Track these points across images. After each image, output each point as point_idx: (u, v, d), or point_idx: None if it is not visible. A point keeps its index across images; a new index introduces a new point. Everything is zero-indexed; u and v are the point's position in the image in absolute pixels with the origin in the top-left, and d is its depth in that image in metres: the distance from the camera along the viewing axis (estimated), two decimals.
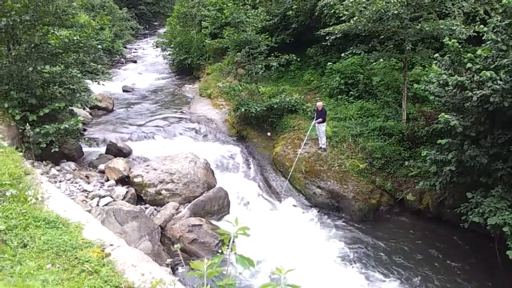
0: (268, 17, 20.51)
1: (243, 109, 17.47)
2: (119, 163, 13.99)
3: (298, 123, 17.18)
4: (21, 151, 10.19)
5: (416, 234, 12.93)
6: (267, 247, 11.20)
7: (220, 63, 24.60)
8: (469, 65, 10.76)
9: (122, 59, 37.21)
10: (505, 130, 10.38)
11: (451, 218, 12.16)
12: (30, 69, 13.48)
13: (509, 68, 9.97)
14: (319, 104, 15.20)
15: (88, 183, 13.39)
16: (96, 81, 19.65)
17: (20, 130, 13.36)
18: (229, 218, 12.60)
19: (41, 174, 10.33)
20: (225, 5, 18.71)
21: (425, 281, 10.65)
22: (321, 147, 15.18)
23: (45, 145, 13.19)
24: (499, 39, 10.40)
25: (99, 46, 17.68)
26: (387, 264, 11.32)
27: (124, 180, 13.71)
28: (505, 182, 10.28)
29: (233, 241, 2.32)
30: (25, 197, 6.55)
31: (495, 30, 10.70)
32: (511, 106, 9.79)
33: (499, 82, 9.89)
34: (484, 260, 11.05)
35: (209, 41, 22.57)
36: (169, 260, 6.26)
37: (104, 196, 12.50)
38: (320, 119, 14.91)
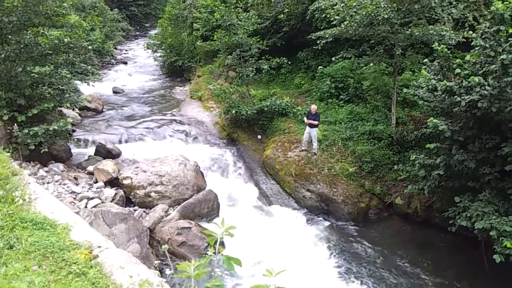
0: (259, 20, 20.52)
1: (233, 112, 17.46)
2: (108, 165, 13.90)
3: (289, 126, 17.21)
4: (9, 152, 10.08)
5: (405, 238, 13.02)
6: (257, 249, 11.20)
7: (211, 66, 24.59)
8: (457, 70, 10.88)
9: (113, 60, 36.98)
10: (493, 135, 10.49)
11: (439, 222, 12.24)
12: (20, 69, 13.35)
13: (497, 74, 10.10)
14: (313, 107, 15.19)
15: (77, 184, 13.28)
16: (85, 82, 19.49)
17: (8, 131, 13.22)
18: (219, 220, 12.59)
19: (29, 175, 10.23)
20: (216, 8, 18.69)
21: (412, 285, 10.71)
22: (312, 151, 15.16)
23: (33, 147, 13.07)
24: (487, 45, 10.53)
25: (89, 47, 17.57)
26: (375, 268, 11.36)
27: (113, 182, 13.62)
28: (493, 187, 10.38)
29: (223, 243, 2.32)
30: (12, 198, 6.49)
31: (483, 36, 10.82)
32: (498, 112, 9.91)
33: (487, 87, 10.02)
34: (471, 263, 11.13)
35: (200, 43, 22.51)
36: (156, 262, 6.22)
37: (92, 198, 12.41)
38: (316, 122, 14.95)
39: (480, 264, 10.59)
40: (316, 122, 14.92)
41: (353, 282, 10.79)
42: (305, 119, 15.17)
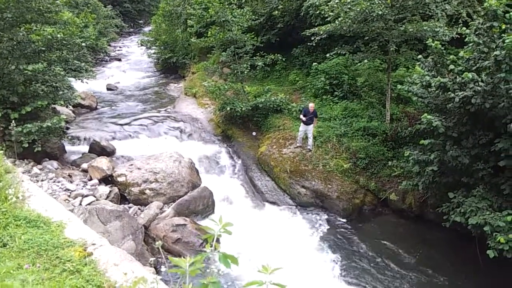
0: (254, 16, 20.48)
1: (228, 108, 17.44)
2: (102, 162, 13.85)
3: (283, 123, 17.21)
4: (2, 149, 10.02)
5: (399, 234, 13.07)
6: (252, 246, 11.21)
7: (205, 62, 24.51)
8: (451, 66, 10.91)
9: (106, 57, 36.78)
10: (486, 131, 10.53)
11: (433, 217, 12.31)
12: (13, 67, 13.25)
13: (490, 70, 10.14)
14: (311, 105, 15.17)
15: (71, 182, 13.23)
16: (79, 79, 19.43)
17: (1, 128, 13.13)
18: (214, 217, 12.58)
19: (23, 172, 10.18)
20: (210, 4, 18.63)
21: (406, 280, 10.77)
22: (307, 148, 15.18)
23: (27, 144, 12.99)
24: (480, 41, 10.56)
25: (83, 44, 17.51)
26: (369, 263, 11.41)
27: (107, 179, 13.58)
28: (486, 182, 10.43)
29: (218, 240, 2.31)
30: (5, 196, 6.45)
31: (477, 33, 10.85)
32: (492, 108, 9.95)
33: (480, 83, 10.05)
34: (465, 259, 11.21)
35: (195, 40, 22.46)
36: (152, 259, 6.21)
37: (87, 195, 12.37)
38: (316, 120, 15.19)
39: (474, 259, 10.65)
40: (316, 121, 15.17)
41: (348, 277, 10.82)
42: (301, 117, 15.05)
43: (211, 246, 2.28)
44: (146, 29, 47.87)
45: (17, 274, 4.43)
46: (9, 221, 5.86)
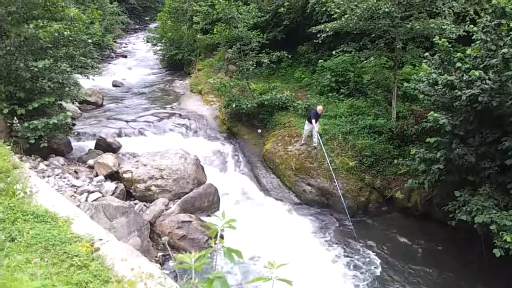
0: (259, 13, 20.45)
1: (234, 105, 17.44)
2: (108, 159, 13.90)
3: (289, 120, 17.20)
4: (9, 145, 10.08)
5: (404, 232, 13.03)
6: (258, 243, 11.22)
7: (211, 59, 24.55)
8: (458, 64, 10.85)
9: (112, 54, 36.89)
10: (493, 129, 10.48)
11: (439, 216, 12.25)
12: (21, 64, 13.30)
13: (498, 68, 10.08)
14: (320, 108, 15.01)
15: (77, 178, 13.29)
16: (85, 76, 19.48)
17: (8, 124, 13.20)
18: (219, 214, 12.62)
19: (30, 168, 10.25)
20: (216, 1, 18.63)
21: (411, 279, 10.75)
22: (313, 145, 15.17)
23: (33, 140, 13.06)
24: (488, 39, 10.50)
25: (89, 40, 17.55)
26: (374, 261, 11.39)
27: (113, 176, 13.62)
28: (493, 181, 10.39)
29: (222, 237, 2.31)
30: (13, 191, 6.50)
31: (484, 30, 10.79)
32: (499, 106, 9.91)
33: (487, 81, 10.00)
34: (470, 258, 11.17)
35: (200, 37, 22.48)
36: (160, 254, 6.25)
37: (93, 192, 12.40)
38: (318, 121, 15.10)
39: (480, 258, 10.62)
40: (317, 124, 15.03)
41: (352, 274, 10.82)
42: (313, 122, 14.64)
43: (215, 241, 2.28)
44: (152, 26, 47.91)
45: (26, 268, 4.47)
46: (17, 216, 5.91)
